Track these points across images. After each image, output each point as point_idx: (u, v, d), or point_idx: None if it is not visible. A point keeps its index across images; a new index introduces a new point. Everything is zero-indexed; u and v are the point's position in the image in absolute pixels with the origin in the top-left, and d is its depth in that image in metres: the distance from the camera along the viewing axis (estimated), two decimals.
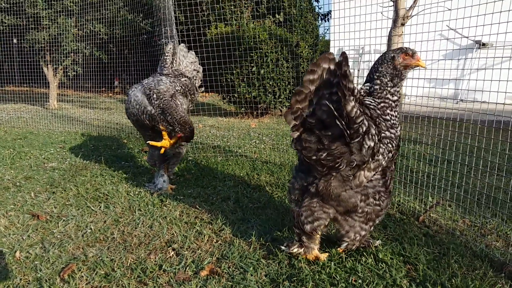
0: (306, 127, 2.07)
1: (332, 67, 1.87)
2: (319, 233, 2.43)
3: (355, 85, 1.92)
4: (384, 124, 2.41)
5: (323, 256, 2.46)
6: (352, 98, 1.88)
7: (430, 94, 3.45)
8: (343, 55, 1.80)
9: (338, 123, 1.92)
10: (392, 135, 2.44)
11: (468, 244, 2.70)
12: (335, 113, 1.90)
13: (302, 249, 2.44)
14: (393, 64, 2.36)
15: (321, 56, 1.88)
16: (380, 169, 2.37)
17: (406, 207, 3.32)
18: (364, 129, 2.02)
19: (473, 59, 9.79)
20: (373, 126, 2.14)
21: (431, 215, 3.15)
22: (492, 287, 2.18)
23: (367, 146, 2.10)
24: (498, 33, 2.67)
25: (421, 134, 3.41)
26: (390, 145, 2.39)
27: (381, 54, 2.47)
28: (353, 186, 2.27)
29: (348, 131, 1.97)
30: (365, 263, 2.43)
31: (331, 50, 11.36)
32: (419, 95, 3.36)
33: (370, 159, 2.21)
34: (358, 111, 1.93)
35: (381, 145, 2.27)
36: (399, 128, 2.55)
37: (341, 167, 2.14)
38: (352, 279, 2.26)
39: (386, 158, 2.36)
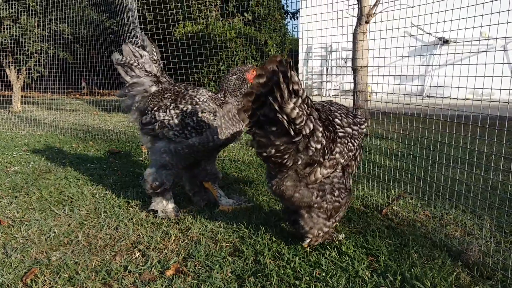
0: (257, 122, 2.11)
1: (275, 69, 1.90)
2: None
3: (301, 86, 1.96)
4: (346, 121, 2.50)
5: None
6: (293, 99, 1.94)
7: (396, 91, 3.53)
8: (287, 60, 1.87)
9: (280, 117, 1.95)
10: (355, 132, 2.51)
11: (428, 234, 2.79)
12: (278, 109, 1.94)
13: None
14: None
15: (269, 59, 1.92)
16: (339, 167, 2.44)
17: (370, 200, 3.40)
18: (308, 131, 2.08)
19: (436, 55, 10.07)
20: (320, 128, 2.17)
21: (394, 208, 3.24)
22: (450, 275, 2.26)
23: (313, 148, 2.17)
24: (458, 29, 2.74)
25: (386, 130, 3.49)
26: (351, 144, 2.47)
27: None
28: (309, 182, 2.33)
29: (291, 126, 2.01)
30: (329, 256, 2.49)
31: (300, 48, 11.49)
32: (385, 92, 3.43)
33: (324, 159, 2.29)
34: (300, 113, 1.99)
35: (338, 144, 2.37)
36: (364, 125, 2.63)
37: (288, 163, 2.20)
38: (316, 272, 2.31)
39: (346, 157, 2.44)
